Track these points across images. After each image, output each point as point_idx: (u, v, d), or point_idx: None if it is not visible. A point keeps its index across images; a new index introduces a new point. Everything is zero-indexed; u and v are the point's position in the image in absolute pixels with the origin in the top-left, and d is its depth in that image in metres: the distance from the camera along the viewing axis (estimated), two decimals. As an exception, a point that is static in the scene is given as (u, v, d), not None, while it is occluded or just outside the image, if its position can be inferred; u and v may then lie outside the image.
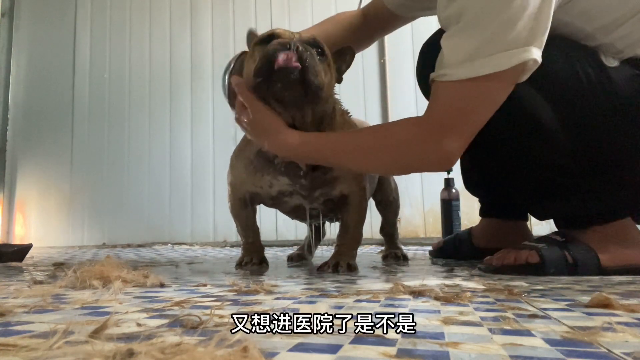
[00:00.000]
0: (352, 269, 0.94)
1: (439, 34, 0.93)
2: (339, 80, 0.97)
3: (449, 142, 0.77)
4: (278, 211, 1.11)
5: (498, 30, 0.70)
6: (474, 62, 0.72)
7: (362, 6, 1.16)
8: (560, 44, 0.83)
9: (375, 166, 0.91)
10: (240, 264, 1.06)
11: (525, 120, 0.83)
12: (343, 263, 0.94)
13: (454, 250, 1.28)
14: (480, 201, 1.27)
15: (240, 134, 1.01)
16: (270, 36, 0.88)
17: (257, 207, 1.11)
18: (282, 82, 0.81)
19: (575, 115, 0.83)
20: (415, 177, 2.43)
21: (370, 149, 0.85)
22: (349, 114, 1.06)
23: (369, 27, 1.13)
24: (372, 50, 2.53)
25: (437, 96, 0.78)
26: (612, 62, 0.84)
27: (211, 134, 2.82)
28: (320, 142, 0.88)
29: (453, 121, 0.77)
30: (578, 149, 0.84)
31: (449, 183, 1.88)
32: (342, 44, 1.00)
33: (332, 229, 1.39)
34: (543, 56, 0.76)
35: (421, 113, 0.81)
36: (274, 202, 1.05)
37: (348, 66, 0.98)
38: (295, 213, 1.08)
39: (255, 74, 0.83)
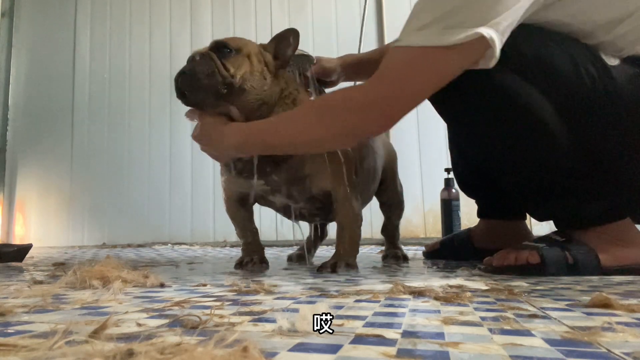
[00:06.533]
0: (350, 268, 0.94)
1: None
2: (283, 65, 1.00)
3: (389, 103, 0.78)
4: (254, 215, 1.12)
5: (456, 7, 0.72)
6: (423, 31, 0.74)
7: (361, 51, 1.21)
8: (563, 41, 0.83)
9: (312, 138, 0.86)
10: (240, 264, 1.06)
11: (526, 120, 0.83)
12: (341, 263, 0.94)
13: (453, 251, 1.27)
14: (477, 203, 1.26)
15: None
16: None
17: (257, 207, 1.11)
18: (183, 89, 0.90)
19: (576, 114, 0.82)
20: (415, 177, 2.44)
21: (305, 117, 0.86)
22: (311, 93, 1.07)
23: None
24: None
25: (385, 59, 0.80)
26: (613, 61, 0.83)
27: (211, 134, 2.82)
28: (258, 125, 0.90)
29: (392, 84, 0.78)
30: (578, 149, 0.83)
31: (449, 183, 1.88)
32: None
33: (333, 230, 1.39)
34: (545, 53, 0.75)
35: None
36: (264, 201, 1.06)
37: (295, 48, 1.00)
38: (286, 212, 1.09)
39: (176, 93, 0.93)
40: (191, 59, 0.92)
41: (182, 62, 0.93)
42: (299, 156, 0.95)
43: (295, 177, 0.97)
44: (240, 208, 1.07)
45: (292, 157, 0.95)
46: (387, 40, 2.53)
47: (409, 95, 0.78)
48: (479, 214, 1.25)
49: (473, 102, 0.85)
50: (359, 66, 1.15)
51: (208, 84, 0.89)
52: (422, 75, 0.77)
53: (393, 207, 1.33)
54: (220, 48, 0.93)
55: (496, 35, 0.72)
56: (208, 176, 2.79)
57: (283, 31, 0.99)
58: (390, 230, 1.35)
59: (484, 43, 0.72)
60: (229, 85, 0.90)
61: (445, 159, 2.32)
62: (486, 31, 0.71)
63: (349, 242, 1.00)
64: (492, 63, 0.75)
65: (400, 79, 0.77)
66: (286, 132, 0.86)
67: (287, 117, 0.91)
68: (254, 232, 1.10)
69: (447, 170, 1.87)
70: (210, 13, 2.92)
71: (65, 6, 3.20)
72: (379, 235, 1.45)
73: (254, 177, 0.97)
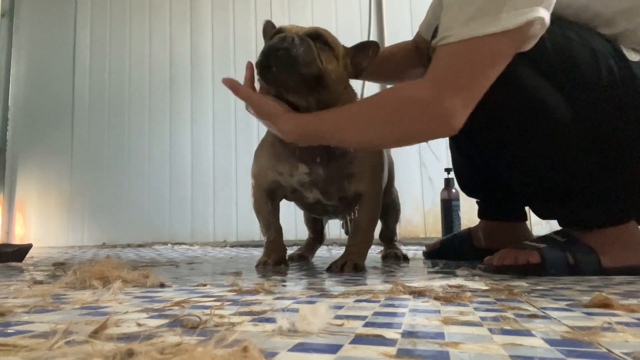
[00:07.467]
0: (358, 269, 0.94)
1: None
2: (356, 75, 0.99)
3: (451, 103, 0.72)
4: (279, 212, 1.12)
5: None
6: (476, 21, 0.70)
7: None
8: (582, 33, 0.80)
9: (375, 135, 0.83)
10: (258, 265, 1.05)
11: (538, 115, 0.80)
12: (350, 263, 0.94)
13: (452, 250, 1.27)
14: (478, 203, 1.26)
15: (251, 129, 1.01)
16: (277, 32, 0.92)
17: None
18: (274, 66, 0.86)
19: (591, 111, 0.79)
20: (415, 177, 2.44)
21: (369, 117, 0.82)
22: None
23: (419, 55, 1.14)
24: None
25: (438, 59, 0.75)
26: (634, 57, 0.80)
27: (211, 134, 2.82)
28: (320, 117, 0.87)
29: (454, 81, 0.73)
30: (591, 148, 0.80)
31: (449, 183, 1.88)
32: (398, 64, 1.10)
33: (330, 232, 1.39)
34: (565, 45, 0.74)
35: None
36: (295, 195, 1.05)
37: (371, 61, 0.99)
38: (314, 208, 1.09)
39: (257, 64, 0.89)
40: (290, 40, 0.85)
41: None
42: (349, 155, 0.96)
43: (339, 174, 0.97)
44: (267, 200, 1.05)
45: (344, 157, 0.95)
46: (388, 39, 2.53)
47: (469, 90, 0.73)
48: (480, 215, 1.25)
49: (487, 96, 0.80)
50: (371, 68, 1.13)
51: (304, 71, 0.86)
52: (481, 67, 0.72)
53: (390, 211, 1.33)
54: (318, 38, 0.90)
55: (547, 13, 0.70)
56: (208, 176, 2.79)
57: (365, 42, 0.98)
58: (388, 234, 1.37)
59: (539, 23, 0.70)
60: (319, 78, 0.88)
61: (445, 159, 2.32)
62: (542, 11, 0.69)
63: (362, 243, 1.01)
64: (532, 45, 0.73)
65: (459, 75, 0.73)
66: (346, 134, 0.84)
67: (347, 117, 0.85)
68: (278, 229, 1.07)
69: (447, 170, 1.87)
70: (210, 13, 2.91)
71: (65, 6, 3.20)
72: (377, 235, 1.46)
73: (301, 164, 0.96)
